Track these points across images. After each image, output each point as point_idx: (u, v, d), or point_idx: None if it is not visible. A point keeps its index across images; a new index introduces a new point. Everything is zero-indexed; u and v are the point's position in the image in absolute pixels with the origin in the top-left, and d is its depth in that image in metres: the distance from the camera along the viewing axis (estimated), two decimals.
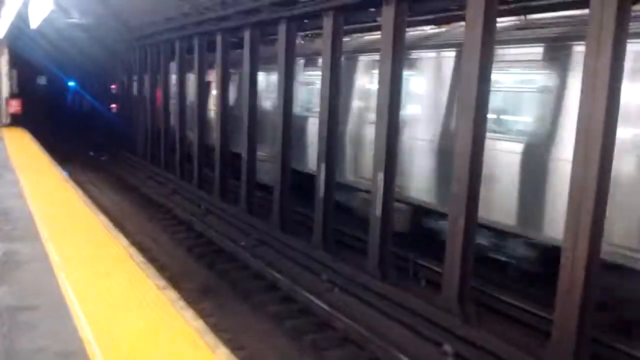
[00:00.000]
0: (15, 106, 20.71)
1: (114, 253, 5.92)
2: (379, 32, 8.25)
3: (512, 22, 7.95)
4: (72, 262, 5.56)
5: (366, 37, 10.93)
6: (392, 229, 8.10)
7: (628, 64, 5.40)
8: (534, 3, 7.47)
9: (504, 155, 7.22)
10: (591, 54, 5.30)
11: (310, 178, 9.95)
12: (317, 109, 9.46)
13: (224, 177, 12.98)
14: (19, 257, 5.79)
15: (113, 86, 25.58)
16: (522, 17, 8.04)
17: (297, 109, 10.85)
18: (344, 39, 9.20)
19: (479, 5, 6.24)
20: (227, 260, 9.77)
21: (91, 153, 23.59)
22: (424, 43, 8.83)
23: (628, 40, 5.28)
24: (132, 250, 6.01)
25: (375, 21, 10.00)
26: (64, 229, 6.94)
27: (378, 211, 7.99)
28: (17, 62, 22.33)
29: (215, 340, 3.85)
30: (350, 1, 8.51)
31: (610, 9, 5.10)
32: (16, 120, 20.59)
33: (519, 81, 7.41)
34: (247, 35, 11.41)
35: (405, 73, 7.93)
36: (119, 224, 11.72)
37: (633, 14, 5.38)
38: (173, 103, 16.18)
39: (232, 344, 6.57)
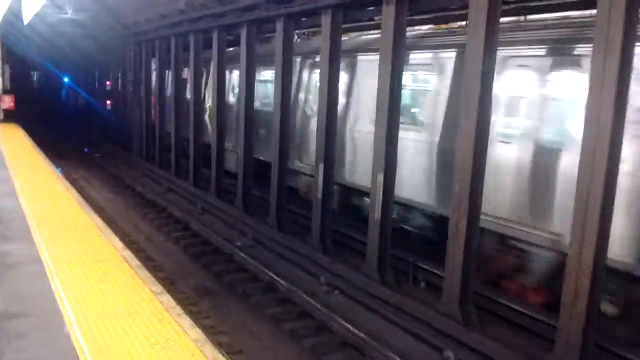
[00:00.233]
0: (8, 102, 20.51)
1: (108, 256, 5.77)
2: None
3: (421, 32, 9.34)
4: (65, 266, 5.41)
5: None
6: (391, 232, 7.98)
7: None
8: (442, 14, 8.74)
9: (407, 142, 8.21)
10: (599, 57, 5.18)
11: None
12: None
13: (220, 175, 12.84)
14: (11, 260, 5.63)
15: (108, 83, 25.36)
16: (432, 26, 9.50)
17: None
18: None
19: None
20: (224, 261, 9.62)
21: (86, 150, 23.39)
22: (367, 47, 9.83)
23: None
24: (127, 253, 5.85)
25: (362, 21, 10.00)
26: (58, 230, 6.78)
27: (377, 214, 7.85)
28: (11, 58, 22.11)
29: (214, 352, 3.70)
30: None
31: (619, 11, 4.99)
32: (9, 117, 20.37)
33: (421, 81, 8.76)
34: (244, 32, 11.26)
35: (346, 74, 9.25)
36: (114, 223, 11.61)
37: None
38: (168, 100, 16.01)
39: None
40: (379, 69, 7.78)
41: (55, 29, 19.57)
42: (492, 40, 6.28)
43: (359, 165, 9.52)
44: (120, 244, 6.23)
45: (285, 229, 10.26)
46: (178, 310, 4.40)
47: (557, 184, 6.54)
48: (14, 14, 15.16)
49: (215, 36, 12.45)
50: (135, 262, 5.51)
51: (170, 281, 8.65)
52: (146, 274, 5.17)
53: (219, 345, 6.37)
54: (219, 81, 12.68)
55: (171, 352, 3.74)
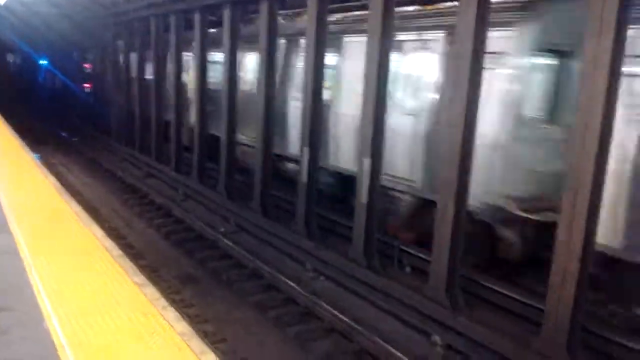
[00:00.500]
0: None
1: (88, 245, 5.58)
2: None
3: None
4: (44, 256, 5.21)
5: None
6: (377, 216, 7.91)
7: None
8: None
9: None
10: (592, 40, 5.09)
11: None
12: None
13: (203, 160, 12.64)
14: None
15: (86, 65, 24.80)
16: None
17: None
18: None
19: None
20: (207, 248, 9.48)
21: (64, 134, 22.92)
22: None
23: None
24: (108, 242, 5.67)
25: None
26: (36, 219, 6.55)
27: (364, 198, 7.76)
28: None
29: (202, 346, 3.57)
30: None
31: None
32: None
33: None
34: (227, 13, 10.99)
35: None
36: (93, 209, 11.39)
37: None
38: (149, 83, 15.67)
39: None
40: (367, 51, 7.64)
41: (30, 8, 19.02)
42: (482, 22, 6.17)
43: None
44: (100, 232, 6.04)
45: (269, 214, 10.14)
46: (162, 302, 4.25)
47: (413, 143, 8.17)
48: None
49: (196, 17, 12.15)
50: (117, 252, 5.33)
51: (151, 269, 8.50)
52: (128, 264, 5.00)
53: (204, 334, 6.30)
54: (201, 63, 12.42)
55: (156, 346, 3.61)
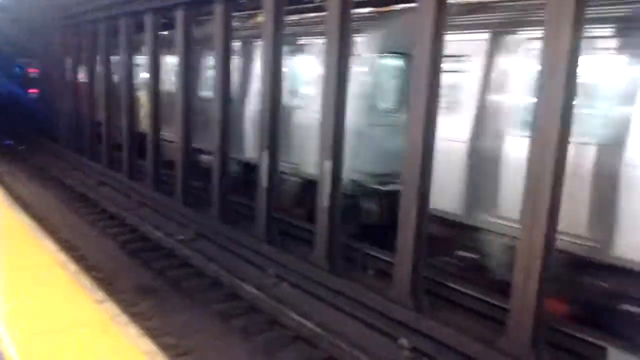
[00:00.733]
0: None
1: (42, 261, 5.31)
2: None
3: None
4: None
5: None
6: (339, 219, 7.86)
7: None
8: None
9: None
10: (550, 39, 5.17)
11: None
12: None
13: (157, 166, 12.34)
14: None
15: (33, 70, 23.87)
16: None
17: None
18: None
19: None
20: (165, 256, 9.22)
21: (8, 142, 21.98)
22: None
23: None
24: (63, 256, 5.41)
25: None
26: None
27: (325, 202, 7.70)
28: None
29: None
30: None
31: None
32: None
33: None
34: (180, 15, 10.75)
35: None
36: (44, 219, 10.95)
37: None
38: (99, 87, 15.21)
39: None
40: (325, 53, 7.58)
41: None
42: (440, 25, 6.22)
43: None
44: (54, 246, 5.77)
45: (228, 219, 9.97)
46: (124, 318, 4.07)
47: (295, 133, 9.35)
48: None
49: (148, 19, 11.85)
50: (73, 267, 5.09)
51: (107, 281, 8.18)
52: (86, 280, 4.78)
53: (164, 347, 6.08)
54: (153, 67, 12.13)
55: None
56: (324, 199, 7.74)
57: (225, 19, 9.58)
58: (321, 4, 9.55)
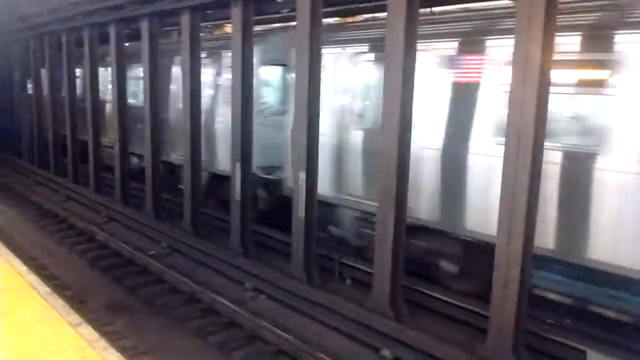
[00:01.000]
0: None
1: (12, 283, 5.10)
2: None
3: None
4: None
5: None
6: (316, 230, 7.81)
7: None
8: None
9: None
10: (521, 45, 5.23)
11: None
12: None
13: (125, 180, 12.09)
14: None
15: None
16: None
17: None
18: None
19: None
20: (137, 273, 9.00)
21: None
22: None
23: None
24: (33, 277, 5.21)
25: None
26: None
27: (301, 213, 7.65)
28: None
29: None
30: None
31: (540, 3, 5.05)
32: None
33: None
34: (144, 26, 10.58)
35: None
36: (9, 238, 10.61)
37: None
38: (63, 100, 14.85)
39: None
40: (296, 63, 7.54)
41: None
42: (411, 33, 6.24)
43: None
44: (23, 267, 5.55)
45: (201, 233, 9.82)
46: (102, 343, 3.92)
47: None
48: None
49: (112, 30, 11.63)
50: (45, 289, 4.90)
51: (78, 299, 7.94)
52: (59, 302, 4.60)
53: None
54: (118, 78, 11.89)
55: None
56: (299, 210, 7.69)
57: (192, 30, 9.46)
58: (289, 14, 9.54)
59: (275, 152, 9.66)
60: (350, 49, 8.32)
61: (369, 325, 6.51)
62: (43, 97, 16.15)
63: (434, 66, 7.18)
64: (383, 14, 7.31)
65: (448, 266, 7.62)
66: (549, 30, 5.13)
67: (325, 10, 7.57)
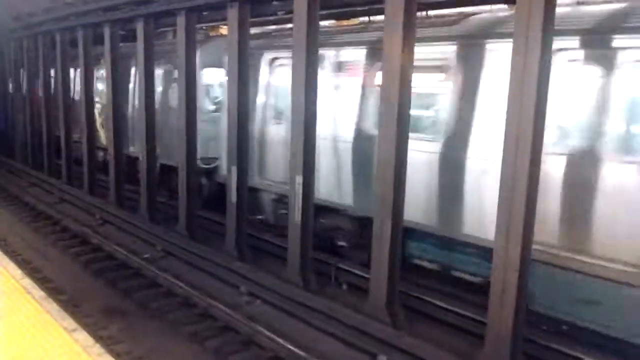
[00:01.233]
0: None
1: (5, 287, 5.03)
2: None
3: None
4: None
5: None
6: (311, 235, 7.78)
7: None
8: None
9: None
10: (519, 54, 5.21)
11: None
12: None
13: (120, 182, 12.01)
14: None
15: None
16: None
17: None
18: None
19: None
20: (132, 276, 8.93)
21: None
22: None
23: None
24: (28, 281, 5.14)
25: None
26: None
27: (297, 217, 7.61)
28: None
29: None
30: None
31: (538, 7, 5.03)
32: None
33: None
34: (140, 27, 10.52)
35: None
36: (2, 240, 10.54)
37: None
38: (57, 100, 14.76)
39: None
40: (292, 67, 7.51)
41: None
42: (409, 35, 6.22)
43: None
44: (17, 271, 5.48)
45: (196, 236, 9.76)
46: (97, 349, 3.86)
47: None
48: None
49: (106, 31, 11.56)
50: (40, 293, 4.83)
51: (72, 303, 7.87)
52: (54, 307, 4.54)
53: None
54: (112, 79, 11.83)
55: None
56: (295, 214, 7.65)
57: (188, 31, 9.42)
58: (285, 16, 9.51)
59: (213, 145, 10.95)
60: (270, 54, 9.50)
61: (365, 331, 6.47)
62: (38, 98, 16.04)
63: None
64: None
65: (342, 239, 8.76)
66: (547, 40, 5.12)
67: (322, 12, 7.56)
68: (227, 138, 8.89)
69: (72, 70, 14.35)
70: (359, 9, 8.89)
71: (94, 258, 9.77)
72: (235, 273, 8.19)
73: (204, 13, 10.21)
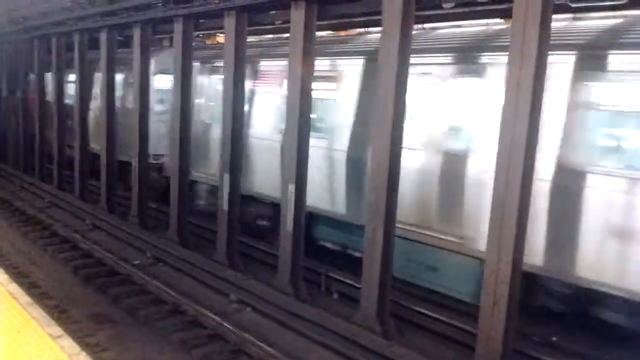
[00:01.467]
0: None
1: None
2: None
3: None
4: None
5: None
6: (303, 244, 7.75)
7: None
8: None
9: None
10: (514, 65, 5.24)
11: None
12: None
13: (111, 187, 11.95)
14: None
15: None
16: None
17: None
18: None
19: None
20: (121, 283, 8.85)
21: None
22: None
23: None
24: (14, 287, 5.07)
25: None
26: None
27: (289, 226, 7.59)
28: None
29: None
30: (255, 1, 8.02)
31: (534, 21, 5.06)
32: None
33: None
34: (137, 33, 10.52)
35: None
36: None
37: None
38: (50, 104, 14.70)
39: None
40: (288, 76, 7.52)
41: None
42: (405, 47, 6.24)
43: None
44: (4, 276, 5.41)
45: (187, 243, 9.71)
46: (83, 356, 3.80)
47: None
48: None
49: (103, 36, 11.55)
50: (26, 299, 4.77)
51: (60, 309, 7.78)
52: (40, 313, 4.48)
53: None
54: (107, 84, 11.81)
55: None
56: (287, 223, 7.62)
57: (185, 38, 9.42)
58: (282, 25, 9.53)
59: (162, 143, 11.98)
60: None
61: (355, 341, 6.43)
62: (31, 102, 15.97)
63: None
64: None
65: (263, 223, 10.07)
66: (542, 55, 5.15)
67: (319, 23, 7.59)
68: (221, 146, 9.07)
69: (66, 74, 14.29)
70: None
71: (83, 264, 9.66)
72: (226, 281, 8.14)
73: (201, 20, 10.21)
